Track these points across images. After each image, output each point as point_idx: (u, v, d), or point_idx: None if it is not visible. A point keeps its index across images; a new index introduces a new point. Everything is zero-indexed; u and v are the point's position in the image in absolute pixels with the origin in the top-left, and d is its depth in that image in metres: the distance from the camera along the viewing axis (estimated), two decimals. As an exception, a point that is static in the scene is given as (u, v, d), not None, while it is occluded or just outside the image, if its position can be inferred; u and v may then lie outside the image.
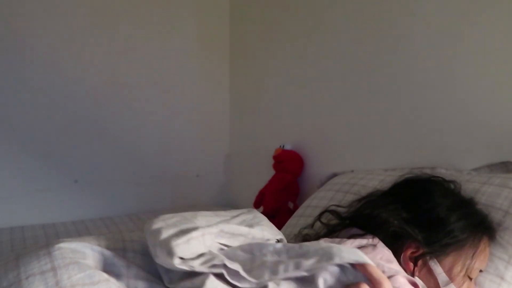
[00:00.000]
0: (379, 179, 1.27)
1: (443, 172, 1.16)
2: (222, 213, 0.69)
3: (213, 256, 0.56)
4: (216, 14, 2.23)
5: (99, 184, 1.93)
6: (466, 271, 0.70)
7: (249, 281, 0.54)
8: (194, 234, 0.57)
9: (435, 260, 0.70)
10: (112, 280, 0.56)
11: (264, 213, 1.65)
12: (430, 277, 0.70)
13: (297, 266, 0.54)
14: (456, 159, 1.20)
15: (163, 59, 2.07)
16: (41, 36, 1.76)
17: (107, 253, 0.59)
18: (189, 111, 2.18)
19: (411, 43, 1.31)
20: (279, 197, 1.69)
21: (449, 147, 1.22)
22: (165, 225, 0.59)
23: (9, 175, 1.73)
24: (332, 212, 0.82)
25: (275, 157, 1.77)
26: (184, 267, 0.55)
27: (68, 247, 0.57)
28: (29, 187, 1.77)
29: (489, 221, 0.78)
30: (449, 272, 0.70)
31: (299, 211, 1.20)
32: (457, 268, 0.70)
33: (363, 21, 1.48)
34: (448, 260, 0.70)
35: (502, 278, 0.75)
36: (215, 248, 0.60)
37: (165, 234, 0.57)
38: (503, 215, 0.83)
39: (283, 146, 1.78)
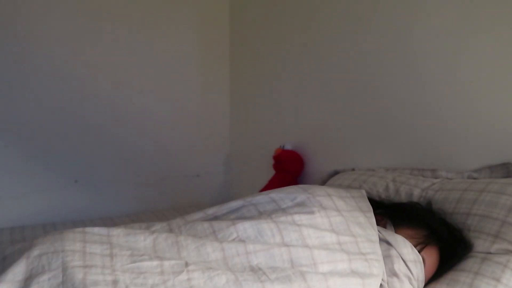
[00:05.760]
0: (380, 175, 1.27)
1: (443, 174, 1.16)
2: None
3: None
4: (216, 14, 2.22)
5: (99, 184, 1.93)
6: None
7: None
8: None
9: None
10: None
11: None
12: None
13: None
14: (457, 159, 1.20)
15: (163, 59, 2.07)
16: (42, 36, 1.76)
17: None
18: (189, 111, 2.17)
19: (412, 43, 1.31)
20: (279, 197, 1.68)
21: (450, 147, 1.22)
22: None
23: (9, 175, 1.72)
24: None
25: (275, 157, 1.77)
26: None
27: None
28: (29, 187, 1.76)
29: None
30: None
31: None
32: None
33: (364, 21, 1.48)
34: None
35: (498, 280, 0.79)
36: None
37: None
38: (500, 225, 0.86)
39: (283, 146, 1.78)
